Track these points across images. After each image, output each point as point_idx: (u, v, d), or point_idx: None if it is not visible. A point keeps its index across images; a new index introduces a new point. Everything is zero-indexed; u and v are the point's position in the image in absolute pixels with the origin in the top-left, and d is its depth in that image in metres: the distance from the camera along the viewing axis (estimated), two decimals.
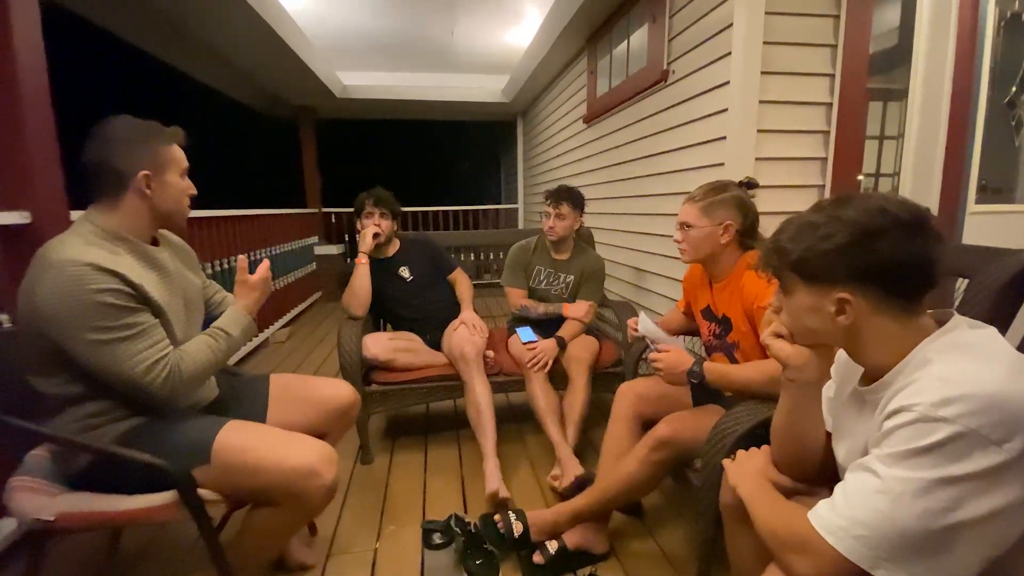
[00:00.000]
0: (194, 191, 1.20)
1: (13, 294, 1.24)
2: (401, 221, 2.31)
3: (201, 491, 1.05)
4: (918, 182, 2.02)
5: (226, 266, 3.37)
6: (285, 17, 3.89)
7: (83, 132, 1.23)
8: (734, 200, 1.36)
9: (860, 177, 2.05)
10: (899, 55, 2.21)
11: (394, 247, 2.26)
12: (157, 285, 1.10)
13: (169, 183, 1.13)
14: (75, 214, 1.75)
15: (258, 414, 1.32)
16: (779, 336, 0.83)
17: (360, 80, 5.96)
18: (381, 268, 2.18)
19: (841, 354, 0.89)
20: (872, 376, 0.77)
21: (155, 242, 1.19)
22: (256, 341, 3.71)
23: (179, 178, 1.15)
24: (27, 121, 1.61)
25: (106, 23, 3.61)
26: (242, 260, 1.23)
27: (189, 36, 3.76)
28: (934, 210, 1.82)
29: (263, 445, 1.10)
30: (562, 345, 2.08)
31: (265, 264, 1.25)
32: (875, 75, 2.11)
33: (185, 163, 1.18)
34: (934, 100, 1.95)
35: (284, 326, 4.32)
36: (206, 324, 1.31)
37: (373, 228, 2.13)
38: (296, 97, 5.84)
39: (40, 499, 1.05)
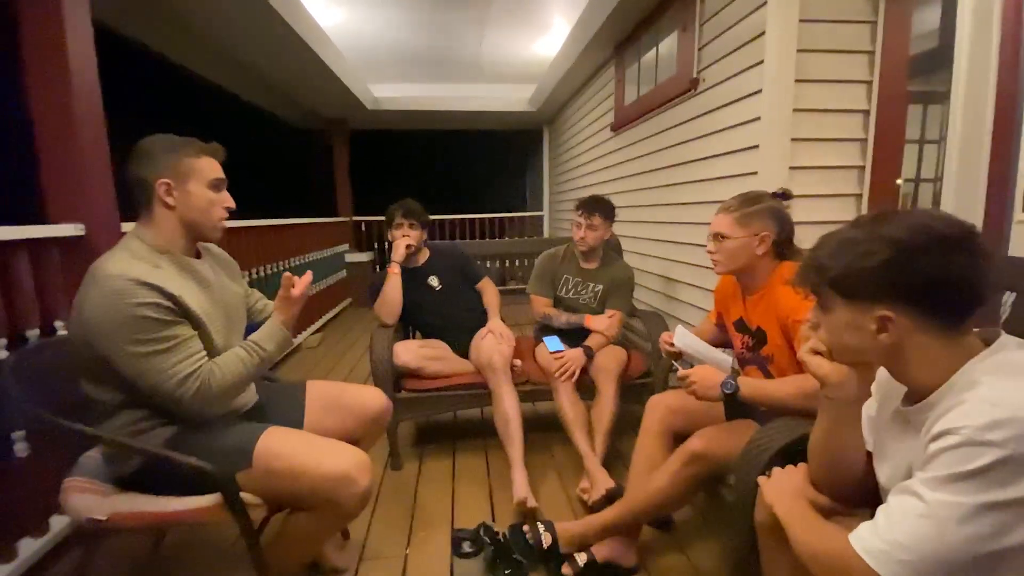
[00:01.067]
0: (230, 203, 1.22)
1: (70, 303, 1.32)
2: (429, 232, 2.34)
3: (243, 495, 1.09)
4: (961, 188, 1.94)
5: (262, 274, 3.49)
6: (321, 35, 4.02)
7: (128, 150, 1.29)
8: (770, 210, 1.34)
9: (899, 181, 1.98)
10: (940, 57, 2.14)
11: (424, 256, 2.30)
12: (197, 296, 1.14)
13: (192, 192, 1.15)
14: (126, 225, 1.84)
15: (296, 420, 1.36)
16: (817, 353, 0.81)
17: (390, 92, 6.09)
18: (411, 277, 2.22)
19: (883, 371, 0.87)
20: (916, 396, 0.75)
21: (198, 254, 1.24)
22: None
23: (206, 188, 1.16)
24: (81, 139, 1.71)
25: (153, 43, 3.79)
26: (288, 277, 1.26)
27: (231, 55, 3.92)
28: (979, 218, 1.75)
29: (302, 451, 1.13)
30: (589, 355, 2.07)
31: (308, 277, 1.26)
32: (915, 78, 2.05)
33: (214, 175, 1.18)
34: (977, 102, 1.87)
35: (315, 332, 4.42)
36: (248, 332, 1.36)
37: (405, 239, 2.17)
38: (329, 110, 6.01)
39: (93, 499, 1.10)
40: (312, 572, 1.46)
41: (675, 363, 1.43)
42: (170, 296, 1.05)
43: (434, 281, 2.28)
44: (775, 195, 1.41)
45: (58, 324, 1.62)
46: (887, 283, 0.69)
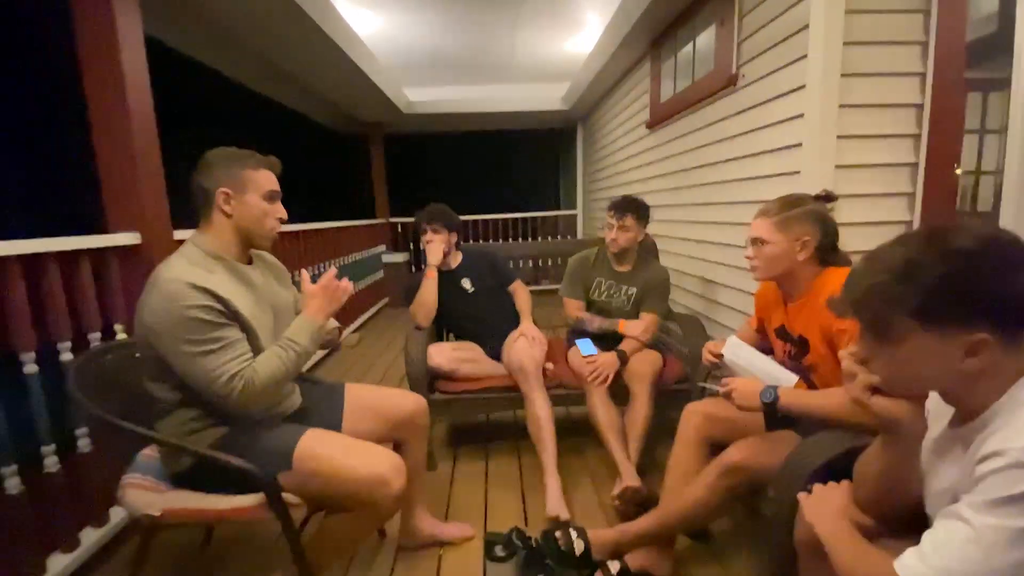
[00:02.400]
0: (283, 215, 1.28)
1: (128, 307, 1.39)
2: (461, 233, 2.36)
3: (284, 495, 1.13)
4: None
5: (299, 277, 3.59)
6: (358, 43, 4.12)
7: (183, 160, 1.37)
8: (812, 214, 1.28)
9: (958, 172, 1.86)
10: (999, 42, 1.99)
11: (457, 259, 2.32)
12: (246, 300, 1.20)
13: (249, 203, 1.21)
14: (178, 233, 1.94)
15: (335, 422, 1.40)
16: (875, 390, 0.75)
17: (425, 96, 6.18)
18: (444, 280, 2.24)
19: (933, 394, 0.82)
20: (966, 416, 0.71)
21: (250, 261, 1.31)
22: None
23: (261, 199, 1.23)
24: (137, 152, 1.81)
25: (199, 54, 3.97)
26: (304, 274, 1.32)
27: (273, 65, 4.07)
28: None
29: (338, 454, 1.17)
30: (623, 359, 2.04)
31: (330, 273, 1.31)
32: (973, 65, 1.91)
33: (270, 187, 1.25)
34: None
35: (354, 331, 4.54)
36: None
37: (431, 244, 2.20)
38: (366, 115, 6.15)
39: (148, 496, 1.17)
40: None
41: (705, 386, 1.39)
42: (221, 300, 1.11)
43: (467, 284, 2.30)
44: (818, 197, 1.35)
45: (117, 328, 1.72)
46: (986, 304, 0.64)
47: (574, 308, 2.28)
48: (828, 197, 1.35)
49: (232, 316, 1.14)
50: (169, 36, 3.45)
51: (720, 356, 1.41)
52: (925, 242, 0.68)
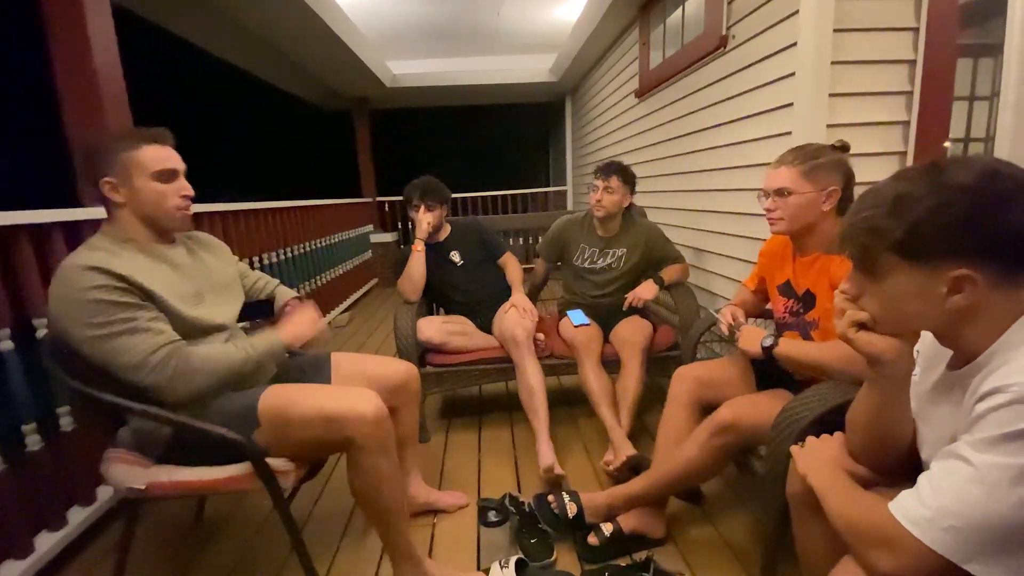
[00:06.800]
0: (187, 191, 1.18)
1: None
2: (451, 206, 2.31)
3: (272, 461, 1.11)
4: (1017, 147, 1.80)
5: (289, 255, 3.52)
6: (337, 11, 3.97)
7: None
8: (837, 164, 1.24)
9: (947, 144, 1.85)
10: (992, 5, 1.96)
11: (445, 232, 2.28)
12: (164, 278, 1.13)
13: (138, 187, 1.11)
14: None
15: None
16: (862, 327, 0.74)
17: (409, 69, 6.03)
18: (433, 253, 2.21)
19: (926, 336, 0.81)
20: (964, 359, 0.70)
21: (172, 241, 1.24)
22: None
23: (151, 181, 1.12)
24: (108, 124, 1.73)
25: (175, 27, 3.82)
26: (291, 301, 1.39)
27: (251, 36, 3.93)
28: None
29: (300, 398, 1.15)
30: (661, 285, 2.11)
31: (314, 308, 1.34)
32: (964, 28, 1.88)
33: (159, 166, 1.13)
34: None
35: (344, 311, 4.49)
36: (250, 308, 1.43)
37: (428, 218, 2.15)
38: (350, 89, 6.00)
39: (132, 469, 1.14)
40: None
41: (717, 316, 1.44)
42: (123, 278, 1.03)
43: (456, 257, 2.26)
44: (835, 148, 1.31)
45: None
46: (968, 238, 0.62)
47: (541, 267, 2.43)
48: (844, 147, 1.31)
49: (142, 295, 1.06)
50: (138, 5, 3.31)
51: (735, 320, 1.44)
52: (920, 175, 0.66)
